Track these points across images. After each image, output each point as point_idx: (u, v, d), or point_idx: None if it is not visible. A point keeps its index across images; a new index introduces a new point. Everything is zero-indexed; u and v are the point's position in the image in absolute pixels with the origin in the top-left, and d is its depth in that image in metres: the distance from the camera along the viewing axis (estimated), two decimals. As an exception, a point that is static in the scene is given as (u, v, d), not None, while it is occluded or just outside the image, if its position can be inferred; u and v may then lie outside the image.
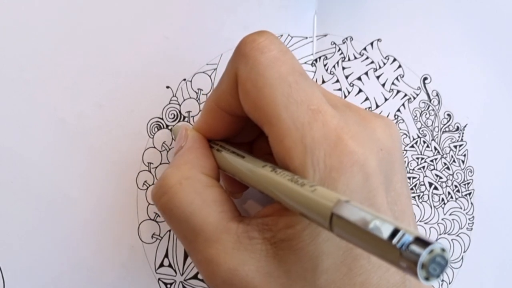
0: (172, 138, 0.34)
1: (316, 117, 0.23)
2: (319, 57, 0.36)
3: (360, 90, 0.36)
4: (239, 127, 0.29)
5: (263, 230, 0.24)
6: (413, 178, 0.37)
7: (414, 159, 0.37)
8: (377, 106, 0.36)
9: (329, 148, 0.23)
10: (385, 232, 0.17)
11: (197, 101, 0.34)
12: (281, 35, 0.35)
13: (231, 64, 0.26)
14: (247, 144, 0.31)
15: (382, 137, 0.26)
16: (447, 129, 0.37)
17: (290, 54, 0.25)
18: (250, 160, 0.26)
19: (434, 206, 0.37)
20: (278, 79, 0.24)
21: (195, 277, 0.34)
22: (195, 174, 0.26)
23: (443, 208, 0.37)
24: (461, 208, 0.37)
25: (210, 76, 0.34)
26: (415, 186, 0.37)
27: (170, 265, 0.33)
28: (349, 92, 0.36)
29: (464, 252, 0.37)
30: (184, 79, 0.34)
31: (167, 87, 0.33)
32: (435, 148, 0.37)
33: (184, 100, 0.34)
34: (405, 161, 0.37)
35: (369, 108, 0.36)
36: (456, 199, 0.37)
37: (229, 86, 0.26)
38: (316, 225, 0.23)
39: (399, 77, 0.37)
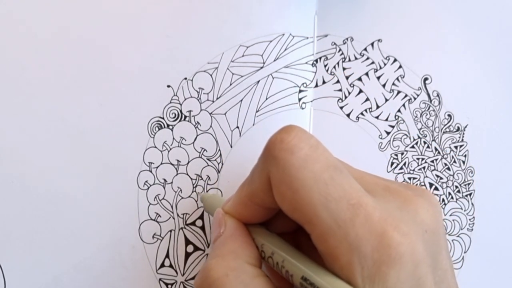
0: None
1: (357, 212, 0.23)
2: (320, 58, 0.36)
3: (360, 91, 0.36)
4: (273, 214, 0.28)
5: None
6: (414, 178, 0.37)
7: (414, 160, 0.37)
8: (378, 107, 0.36)
9: (375, 242, 0.22)
10: None
11: (198, 100, 0.34)
12: (283, 34, 0.35)
13: (262, 165, 0.25)
14: (289, 234, 0.30)
15: (425, 218, 0.25)
16: (447, 130, 0.37)
17: (322, 148, 0.24)
18: (296, 254, 0.25)
19: (435, 206, 0.37)
20: (312, 179, 0.23)
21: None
22: (241, 265, 0.25)
23: (443, 208, 0.37)
24: (461, 208, 0.37)
25: (211, 75, 0.34)
26: (416, 186, 0.37)
27: (171, 266, 0.33)
28: (349, 93, 0.36)
29: (464, 252, 0.37)
30: (185, 78, 0.33)
31: (168, 86, 0.33)
32: (436, 149, 0.37)
33: (185, 99, 0.33)
34: (406, 163, 0.37)
35: (369, 109, 0.36)
36: (457, 199, 0.37)
37: (262, 186, 0.25)
38: None
39: (399, 78, 0.37)
